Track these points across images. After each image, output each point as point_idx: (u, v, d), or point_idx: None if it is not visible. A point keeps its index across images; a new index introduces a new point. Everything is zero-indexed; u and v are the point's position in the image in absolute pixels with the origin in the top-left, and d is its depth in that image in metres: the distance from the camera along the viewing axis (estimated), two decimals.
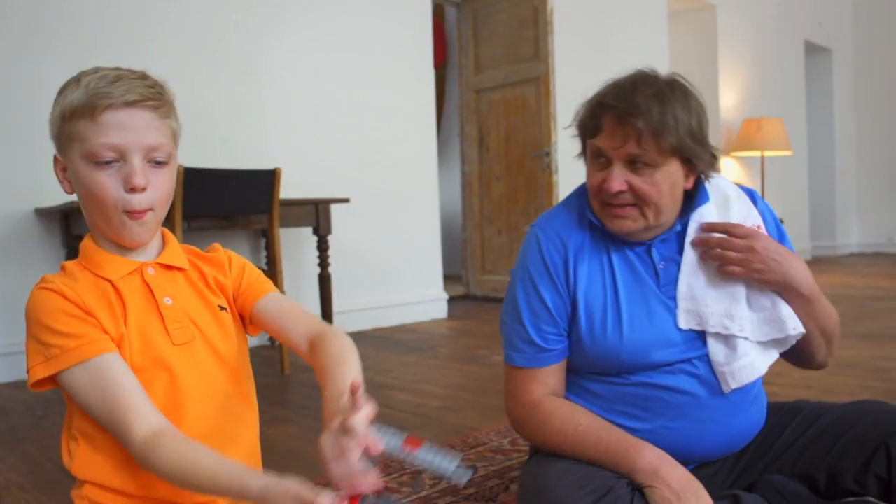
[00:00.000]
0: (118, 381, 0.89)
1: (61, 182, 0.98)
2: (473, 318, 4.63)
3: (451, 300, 4.97)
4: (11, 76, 3.10)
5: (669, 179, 1.21)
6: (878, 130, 9.03)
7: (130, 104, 0.91)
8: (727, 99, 7.14)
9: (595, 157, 1.25)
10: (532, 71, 5.07)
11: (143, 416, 0.88)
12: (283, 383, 2.86)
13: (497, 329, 3.98)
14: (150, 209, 0.95)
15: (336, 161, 4.15)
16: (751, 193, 1.38)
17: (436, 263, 4.75)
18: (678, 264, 1.28)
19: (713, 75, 6.88)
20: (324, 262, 3.42)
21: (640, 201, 1.21)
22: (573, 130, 1.32)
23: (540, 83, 5.03)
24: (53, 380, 0.91)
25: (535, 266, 1.31)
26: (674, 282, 1.27)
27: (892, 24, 8.86)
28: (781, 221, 1.40)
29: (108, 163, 0.91)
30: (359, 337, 3.99)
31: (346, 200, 3.57)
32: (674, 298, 1.26)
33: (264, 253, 3.81)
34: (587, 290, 1.28)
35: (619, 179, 1.20)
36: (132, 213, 0.93)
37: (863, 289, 5.39)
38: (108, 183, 0.92)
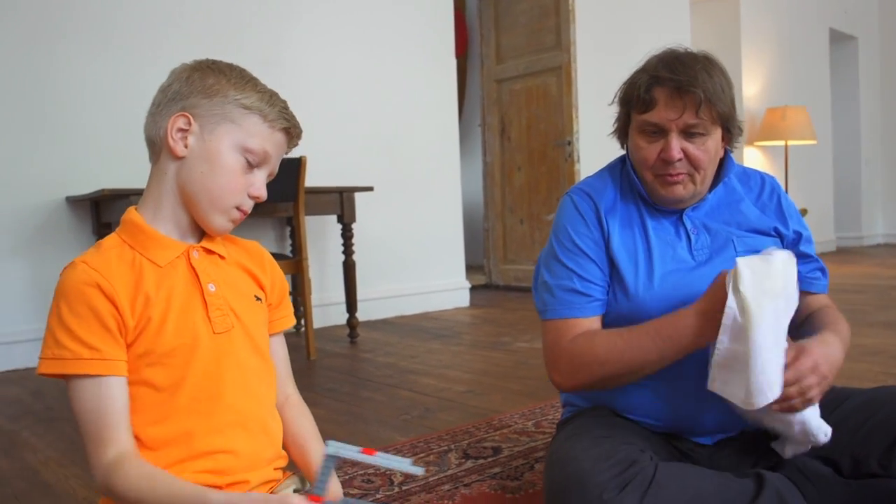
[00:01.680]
0: (111, 402, 0.90)
1: (173, 140, 0.95)
2: (496, 306, 4.66)
3: (473, 289, 5.00)
4: (36, 69, 3.16)
5: (716, 147, 1.29)
6: None
7: (293, 137, 1.03)
8: (750, 88, 7.08)
9: (644, 132, 1.30)
10: (554, 60, 5.07)
11: (119, 440, 0.90)
12: (310, 368, 2.91)
13: (520, 317, 4.04)
14: (247, 215, 1.03)
15: (359, 150, 4.18)
16: (773, 182, 1.43)
17: (458, 252, 4.78)
18: (708, 230, 1.34)
19: (736, 64, 6.82)
20: (348, 250, 3.46)
21: (693, 168, 1.28)
22: (615, 108, 1.37)
23: (561, 72, 5.03)
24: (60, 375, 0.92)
25: (572, 222, 1.36)
26: (705, 247, 1.33)
27: None
28: (804, 213, 1.42)
29: (251, 165, 0.98)
30: (382, 324, 4.03)
31: (370, 189, 3.61)
32: (705, 263, 1.31)
33: (289, 241, 3.86)
34: (623, 246, 1.33)
35: (677, 148, 1.26)
36: (242, 213, 1.00)
37: (888, 279, 5.34)
38: (240, 177, 0.98)
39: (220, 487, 0.95)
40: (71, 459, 1.87)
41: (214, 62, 1.01)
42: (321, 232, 3.99)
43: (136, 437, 0.94)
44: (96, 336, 0.90)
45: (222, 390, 0.97)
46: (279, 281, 1.12)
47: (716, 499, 1.12)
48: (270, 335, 1.10)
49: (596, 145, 5.13)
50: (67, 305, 0.90)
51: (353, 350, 3.32)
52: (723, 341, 1.14)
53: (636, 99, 1.29)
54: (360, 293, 3.78)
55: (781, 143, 7.09)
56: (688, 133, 1.26)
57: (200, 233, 1.02)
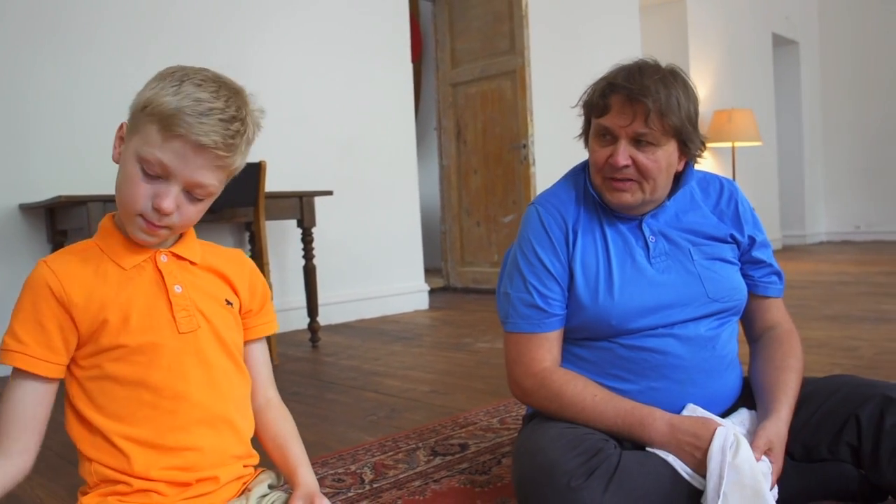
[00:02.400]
0: (19, 404, 0.96)
1: (114, 148, 1.00)
2: (455, 308, 4.70)
3: (432, 292, 5.03)
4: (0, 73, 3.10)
5: (667, 159, 1.32)
6: (843, 121, 9.25)
7: (199, 146, 0.93)
8: (698, 90, 7.25)
9: (600, 136, 1.34)
10: (508, 64, 5.15)
11: (7, 450, 0.96)
12: (273, 373, 2.90)
13: (480, 318, 4.09)
14: (167, 227, 0.97)
15: (317, 154, 4.19)
16: (731, 188, 1.47)
17: (417, 255, 4.81)
18: (666, 238, 1.38)
19: (684, 67, 6.90)
20: (308, 255, 3.46)
21: (641, 176, 1.31)
22: (578, 111, 1.42)
23: (516, 76, 5.10)
24: None
25: (537, 237, 1.40)
26: (663, 254, 1.37)
27: (856, 18, 9.07)
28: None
29: (150, 175, 0.94)
30: (343, 328, 4.04)
31: (329, 193, 3.62)
32: (662, 271, 1.36)
33: (248, 246, 3.85)
34: (583, 259, 1.37)
35: (624, 154, 1.30)
36: (148, 223, 0.96)
37: (832, 275, 5.55)
38: (141, 189, 0.94)
39: (188, 484, 0.98)
40: (35, 468, 1.84)
41: (173, 69, 0.99)
42: (281, 237, 3.99)
43: (104, 433, 0.97)
44: (31, 334, 0.95)
45: (187, 388, 0.99)
46: (260, 287, 1.14)
47: (675, 482, 1.19)
48: (252, 340, 1.13)
49: (551, 148, 5.22)
50: (20, 301, 0.97)
51: (315, 354, 3.33)
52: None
53: (594, 103, 1.34)
54: (320, 297, 3.78)
55: (728, 144, 7.30)
56: (638, 142, 1.30)
57: (174, 238, 1.05)
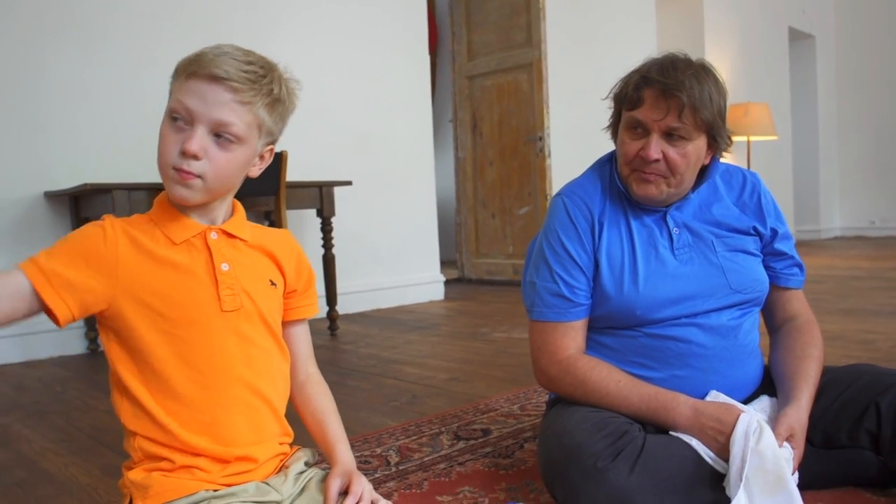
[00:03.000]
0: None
1: None
2: (470, 299, 4.74)
3: (446, 283, 5.07)
4: (20, 63, 3.15)
5: (697, 153, 1.34)
6: (859, 116, 9.20)
7: (212, 78, 0.96)
8: None
9: (631, 128, 1.36)
10: (525, 57, 5.16)
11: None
12: None
13: (495, 309, 4.13)
14: (199, 177, 0.97)
15: (336, 146, 4.23)
16: (754, 180, 1.49)
17: (433, 246, 4.85)
18: (690, 230, 1.40)
19: None
20: (328, 244, 3.51)
21: (669, 171, 1.33)
22: (596, 103, 1.43)
23: (532, 69, 5.12)
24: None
25: (563, 227, 1.42)
26: (686, 246, 1.39)
27: (872, 11, 9.01)
28: None
29: (176, 121, 0.97)
30: (360, 317, 4.09)
31: (348, 183, 3.66)
32: (686, 263, 1.38)
33: None
34: (609, 250, 1.39)
35: (656, 148, 1.31)
36: (179, 171, 0.97)
37: (846, 269, 5.54)
38: (171, 139, 0.97)
39: (227, 461, 1.00)
40: (68, 449, 1.91)
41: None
42: (299, 226, 4.03)
43: (145, 407, 0.99)
44: (63, 263, 0.96)
45: (228, 365, 1.01)
46: (306, 269, 1.18)
47: (699, 465, 1.22)
48: (294, 321, 1.16)
49: (567, 140, 5.24)
50: (72, 236, 0.99)
51: (334, 342, 3.37)
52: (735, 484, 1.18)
53: (626, 96, 1.35)
54: (338, 287, 3.82)
55: (744, 138, 7.28)
56: (669, 136, 1.31)
57: (216, 215, 1.06)
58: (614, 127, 1.44)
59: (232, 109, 0.97)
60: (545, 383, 1.44)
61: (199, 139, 0.96)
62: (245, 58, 0.99)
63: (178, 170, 0.96)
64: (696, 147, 1.33)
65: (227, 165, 0.99)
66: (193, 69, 0.96)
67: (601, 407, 1.33)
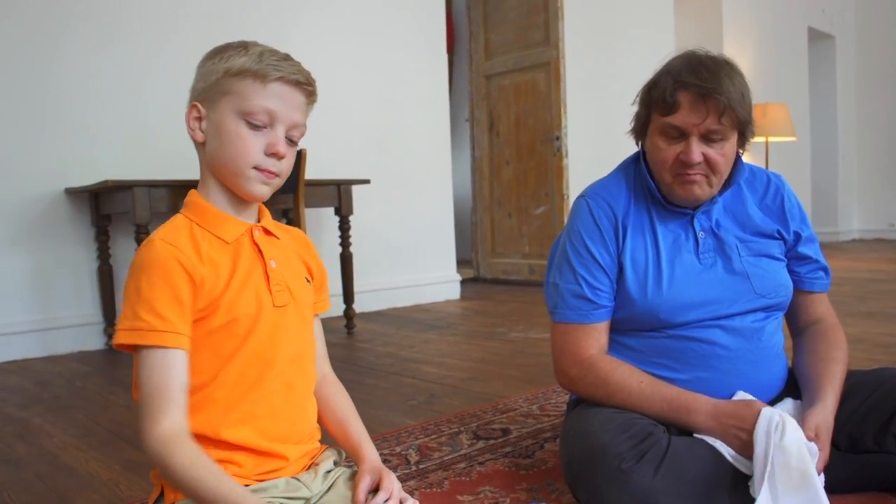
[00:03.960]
0: (174, 374, 0.94)
1: (192, 130, 1.04)
2: (486, 298, 4.73)
3: (462, 282, 5.06)
4: (37, 60, 3.17)
5: (732, 151, 1.34)
6: (879, 117, 9.11)
7: (296, 84, 1.01)
8: None
9: (665, 134, 1.33)
10: (542, 56, 5.15)
11: (176, 414, 0.93)
12: None
13: (512, 309, 4.12)
14: (278, 175, 1.03)
15: (353, 144, 4.24)
16: (778, 183, 1.47)
17: (449, 245, 4.85)
18: (716, 235, 1.40)
19: None
20: (345, 242, 3.51)
21: (710, 171, 1.32)
22: (626, 102, 1.41)
23: (550, 68, 5.10)
24: (132, 346, 0.97)
25: (587, 229, 1.41)
26: (711, 250, 1.39)
27: (893, 11, 8.92)
28: None
29: (257, 126, 1.00)
30: (377, 315, 4.09)
31: (366, 182, 3.66)
32: (710, 267, 1.37)
33: None
34: (633, 252, 1.38)
35: (697, 151, 1.30)
36: (265, 172, 1.01)
37: (865, 272, 5.49)
38: (252, 141, 1.00)
39: (264, 453, 1.00)
40: (88, 444, 1.92)
41: (219, 46, 1.05)
42: (317, 224, 4.04)
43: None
44: (171, 309, 0.94)
45: (274, 360, 1.03)
46: (320, 266, 1.19)
47: (724, 467, 1.21)
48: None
49: (584, 140, 5.23)
50: (147, 280, 0.95)
51: (351, 340, 3.37)
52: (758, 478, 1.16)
53: (660, 101, 1.32)
54: (355, 285, 3.83)
55: (762, 139, 7.23)
56: (707, 138, 1.30)
57: (252, 213, 1.08)
58: (639, 131, 1.42)
59: (303, 112, 1.05)
60: (566, 384, 1.44)
61: (284, 140, 1.02)
62: (294, 59, 1.04)
63: (263, 170, 1.01)
64: (732, 145, 1.33)
65: (292, 163, 1.06)
66: (276, 75, 1.00)
67: (622, 408, 1.32)
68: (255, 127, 1.00)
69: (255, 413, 1.01)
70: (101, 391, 2.47)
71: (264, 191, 1.03)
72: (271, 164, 1.01)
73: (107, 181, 2.83)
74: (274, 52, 1.02)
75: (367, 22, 4.32)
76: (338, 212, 3.51)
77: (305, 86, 1.03)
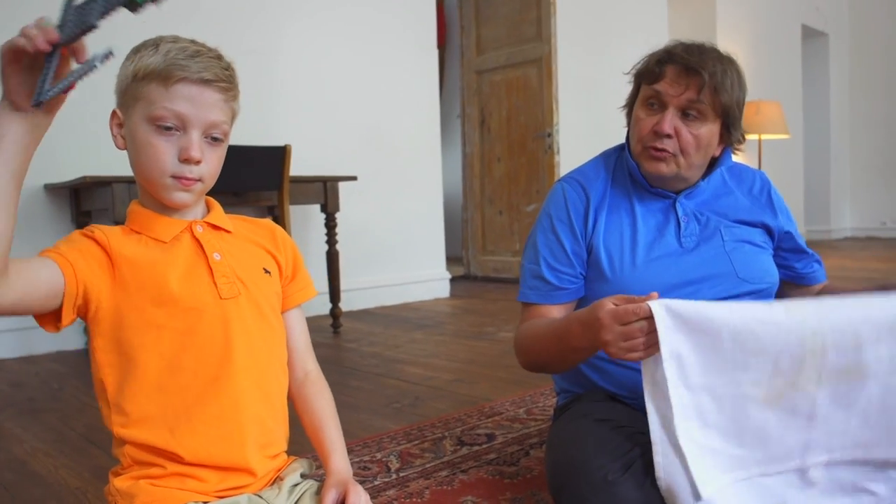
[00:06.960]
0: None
1: (114, 136, 1.00)
2: (476, 297, 4.67)
3: (452, 280, 5.00)
4: None
5: (709, 138, 1.33)
6: (872, 115, 9.09)
7: (204, 82, 0.95)
8: None
9: (648, 104, 1.35)
10: (534, 52, 5.09)
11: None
12: None
13: (501, 307, 4.07)
14: (199, 180, 0.98)
15: (342, 140, 4.17)
16: (763, 178, 1.49)
17: (439, 243, 4.79)
18: (698, 219, 1.39)
19: None
20: (332, 240, 3.45)
21: (679, 150, 1.32)
22: (619, 99, 1.43)
23: (542, 64, 5.04)
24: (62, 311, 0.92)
25: (557, 212, 1.42)
26: (693, 235, 1.38)
27: (887, 9, 8.89)
28: None
29: (169, 129, 0.94)
30: (364, 314, 4.03)
31: (353, 178, 3.59)
32: (692, 249, 1.36)
33: None
34: (606, 233, 1.38)
35: (670, 123, 1.31)
36: (181, 180, 0.96)
37: (858, 271, 5.46)
38: (164, 148, 0.94)
39: (227, 468, 0.95)
40: (59, 450, 1.85)
41: (139, 44, 1.00)
42: (303, 221, 3.97)
43: (129, 413, 0.94)
44: (70, 252, 0.92)
45: (232, 354, 0.98)
46: (292, 254, 1.14)
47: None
48: (289, 309, 1.13)
49: (576, 137, 5.16)
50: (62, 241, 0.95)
51: (337, 340, 3.31)
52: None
53: (647, 70, 1.35)
54: (341, 283, 3.77)
55: (755, 137, 7.19)
56: (685, 114, 1.31)
57: (195, 210, 1.04)
58: (630, 106, 1.43)
59: (220, 109, 0.98)
60: (521, 363, 1.42)
61: (199, 144, 0.96)
62: (211, 52, 0.98)
63: (180, 177, 0.96)
64: (710, 131, 1.33)
65: (218, 163, 1.01)
66: (180, 75, 0.93)
67: (543, 359, 1.32)
68: (167, 131, 0.95)
69: (214, 416, 0.95)
70: (77, 394, 2.41)
71: (185, 198, 0.98)
72: (188, 170, 0.96)
73: (85, 177, 2.76)
74: (183, 49, 0.95)
75: (356, 15, 4.24)
76: (324, 209, 3.44)
77: (216, 83, 0.96)
